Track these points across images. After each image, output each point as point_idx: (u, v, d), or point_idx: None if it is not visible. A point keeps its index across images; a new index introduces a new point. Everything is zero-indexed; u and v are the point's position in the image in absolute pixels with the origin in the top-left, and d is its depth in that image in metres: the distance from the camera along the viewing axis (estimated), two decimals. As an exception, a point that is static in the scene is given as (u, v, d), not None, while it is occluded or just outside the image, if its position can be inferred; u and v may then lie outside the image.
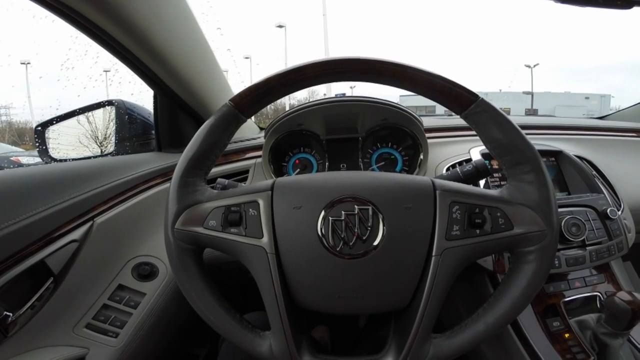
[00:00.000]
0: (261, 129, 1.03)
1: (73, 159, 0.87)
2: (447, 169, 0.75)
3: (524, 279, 0.41)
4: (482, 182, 0.72)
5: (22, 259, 0.54)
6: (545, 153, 0.80)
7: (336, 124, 0.79)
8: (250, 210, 0.43)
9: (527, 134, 0.42)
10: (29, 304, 0.55)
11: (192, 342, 0.95)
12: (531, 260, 0.41)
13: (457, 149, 0.79)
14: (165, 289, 0.67)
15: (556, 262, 0.64)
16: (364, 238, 0.40)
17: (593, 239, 0.67)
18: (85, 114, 0.90)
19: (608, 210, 0.69)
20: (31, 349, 0.57)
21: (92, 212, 0.64)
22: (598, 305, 0.68)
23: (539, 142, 0.82)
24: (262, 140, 0.80)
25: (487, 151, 0.74)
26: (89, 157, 0.89)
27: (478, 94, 0.42)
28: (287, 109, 0.78)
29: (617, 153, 0.92)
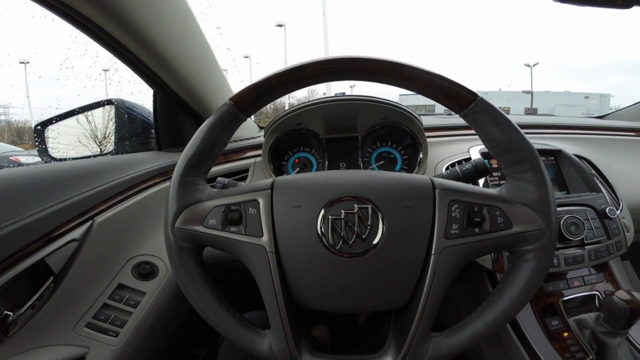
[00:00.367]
0: (261, 128, 1.03)
1: (73, 158, 0.87)
2: (447, 168, 0.75)
3: (522, 277, 0.41)
4: (481, 181, 0.72)
5: (22, 258, 0.54)
6: (545, 152, 0.80)
7: (336, 123, 0.79)
8: (250, 209, 0.43)
9: (527, 133, 0.42)
10: (30, 303, 0.55)
11: (192, 341, 0.95)
12: (530, 259, 0.41)
13: (457, 148, 0.79)
14: (165, 288, 0.67)
15: (555, 261, 0.64)
16: (364, 237, 0.40)
17: (592, 238, 0.67)
18: (85, 113, 0.90)
19: (607, 210, 0.69)
20: (32, 348, 0.57)
21: (92, 211, 0.64)
22: (597, 304, 0.68)
23: (538, 141, 0.83)
24: (261, 139, 0.80)
25: (486, 150, 0.74)
26: (89, 157, 0.89)
27: (478, 93, 0.42)
28: (287, 108, 0.78)
29: (616, 152, 0.92)
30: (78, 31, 0.59)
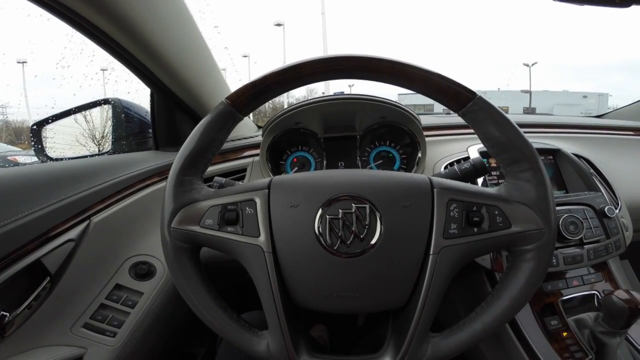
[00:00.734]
0: (259, 127, 1.03)
1: (69, 158, 0.87)
2: (445, 167, 0.75)
3: (522, 277, 0.41)
4: (479, 181, 0.72)
5: (18, 258, 0.54)
6: (543, 151, 0.80)
7: (334, 122, 0.78)
8: (247, 208, 0.42)
9: (525, 132, 0.42)
10: (26, 303, 0.55)
11: (190, 342, 0.95)
12: (529, 259, 0.41)
13: (455, 147, 0.79)
14: (162, 288, 0.67)
15: (554, 260, 0.64)
16: (362, 236, 0.40)
17: (591, 238, 0.67)
18: (82, 112, 0.89)
19: (606, 209, 0.69)
20: (29, 349, 0.56)
21: (88, 211, 0.63)
22: (596, 303, 0.68)
23: (537, 140, 0.82)
24: (259, 138, 0.80)
25: (485, 149, 0.74)
26: (86, 156, 0.89)
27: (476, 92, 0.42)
28: (285, 107, 0.78)
29: (614, 152, 0.92)
30: (74, 30, 0.59)
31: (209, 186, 0.47)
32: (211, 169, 0.75)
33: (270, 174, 0.77)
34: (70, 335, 0.60)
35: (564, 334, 0.64)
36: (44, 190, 0.59)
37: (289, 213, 0.41)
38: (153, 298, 0.66)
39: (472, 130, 0.44)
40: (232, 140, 0.84)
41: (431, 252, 0.40)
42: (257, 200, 0.42)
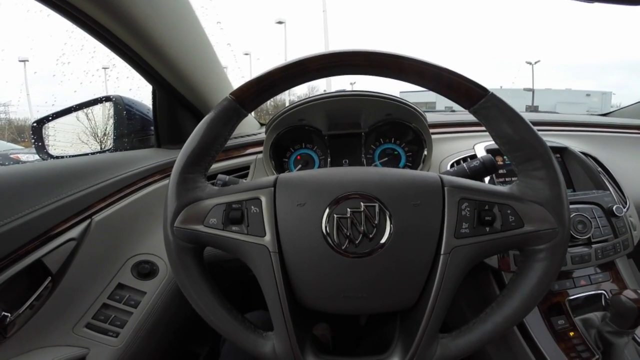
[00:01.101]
0: (262, 124, 1.02)
1: (71, 156, 0.86)
2: (452, 165, 0.74)
3: (534, 277, 0.40)
4: (486, 179, 0.71)
5: (19, 257, 0.53)
6: (551, 149, 0.79)
7: (338, 119, 0.77)
8: (252, 207, 0.41)
9: None
10: (28, 303, 0.54)
11: (193, 341, 0.95)
12: (542, 259, 0.40)
13: (461, 145, 0.78)
14: (165, 288, 0.66)
15: None
16: (371, 236, 0.39)
17: (599, 237, 0.66)
18: (83, 110, 0.88)
19: (614, 208, 0.68)
20: (31, 349, 0.56)
21: (90, 209, 0.63)
22: (603, 303, 0.67)
23: (543, 138, 0.81)
24: (262, 136, 0.79)
25: (492, 147, 0.73)
26: (87, 154, 0.88)
27: None
28: (287, 104, 0.77)
29: (621, 150, 0.91)
30: (74, 26, 0.58)
31: (212, 184, 0.46)
32: (214, 166, 0.74)
33: (274, 172, 0.76)
34: (73, 335, 0.60)
35: (571, 333, 0.63)
36: (44, 189, 0.58)
37: (296, 212, 0.41)
38: (156, 297, 0.65)
39: (477, 128, 0.43)
40: (235, 138, 0.83)
41: (442, 252, 0.39)
42: (263, 199, 0.41)
